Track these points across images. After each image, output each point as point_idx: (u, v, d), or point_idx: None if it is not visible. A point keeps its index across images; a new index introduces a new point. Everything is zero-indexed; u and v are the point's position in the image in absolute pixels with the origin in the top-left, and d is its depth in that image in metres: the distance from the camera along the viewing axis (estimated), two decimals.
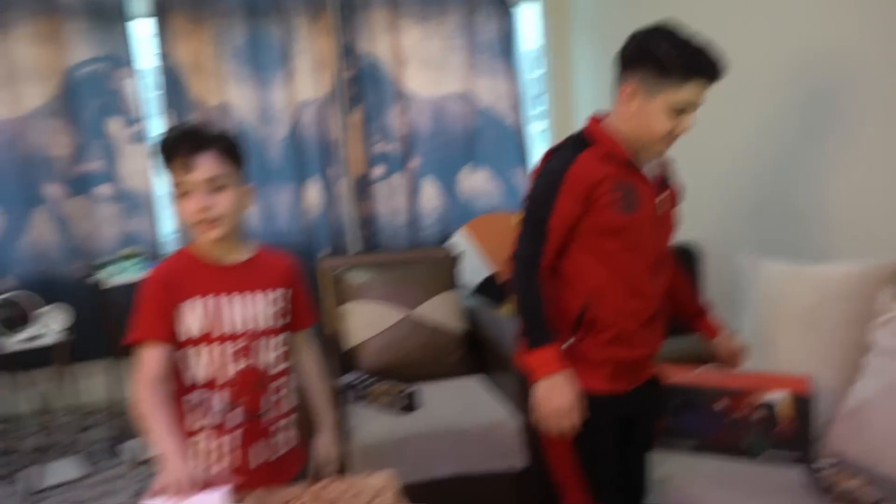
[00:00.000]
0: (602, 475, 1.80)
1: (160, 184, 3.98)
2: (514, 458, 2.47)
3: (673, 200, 1.82)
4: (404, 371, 2.83)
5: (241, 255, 1.64)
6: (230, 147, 1.55)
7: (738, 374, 1.98)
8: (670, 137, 1.66)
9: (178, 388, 1.60)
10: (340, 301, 2.98)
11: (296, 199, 4.08)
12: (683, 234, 3.13)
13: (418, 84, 4.15)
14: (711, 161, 3.07)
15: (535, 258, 1.67)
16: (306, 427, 1.76)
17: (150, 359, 1.53)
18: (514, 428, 2.47)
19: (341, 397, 2.62)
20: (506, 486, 2.47)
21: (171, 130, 1.57)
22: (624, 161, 1.68)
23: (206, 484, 1.31)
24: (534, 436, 1.99)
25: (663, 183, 1.79)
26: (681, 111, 1.61)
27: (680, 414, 2.03)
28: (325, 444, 1.76)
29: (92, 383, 4.01)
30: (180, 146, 1.49)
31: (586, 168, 1.65)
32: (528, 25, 4.39)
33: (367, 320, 2.91)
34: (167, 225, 4.05)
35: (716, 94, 1.70)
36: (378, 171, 4.18)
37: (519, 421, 2.46)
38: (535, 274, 1.67)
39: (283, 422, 1.69)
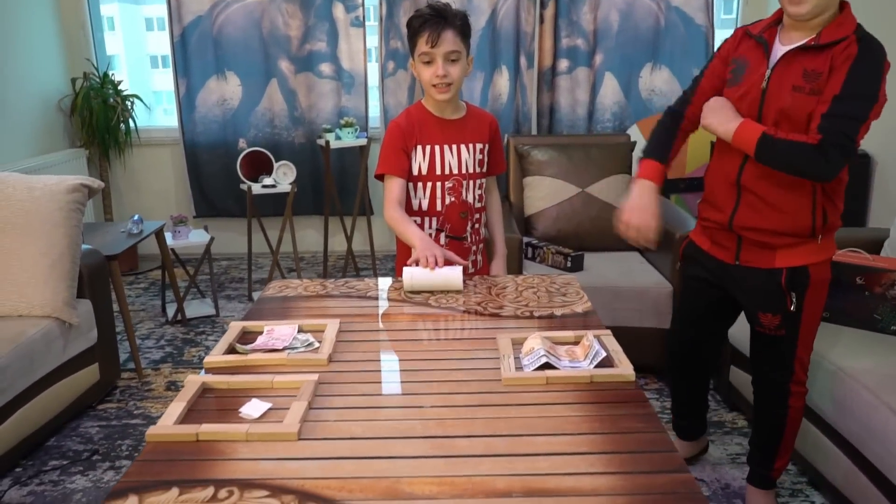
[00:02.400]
0: (678, 315, 2.25)
1: (371, 68, 4.56)
2: (662, 318, 2.85)
3: (817, 82, 1.65)
4: (573, 239, 3.25)
5: (458, 113, 2.09)
6: (465, 27, 1.97)
7: (879, 257, 2.21)
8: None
9: (406, 212, 2.11)
10: (524, 174, 3.42)
11: (487, 85, 4.50)
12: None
13: None
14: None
15: (676, 105, 2.01)
16: (488, 254, 2.24)
17: (393, 187, 2.03)
18: (665, 293, 2.84)
19: (522, 251, 3.09)
20: (652, 341, 2.87)
21: (421, 10, 1.99)
22: (755, 35, 1.80)
23: (446, 262, 1.81)
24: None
25: (803, 57, 1.69)
26: None
27: None
28: (498, 266, 2.24)
29: (305, 234, 4.82)
30: (430, 23, 1.93)
31: (728, 45, 1.91)
32: None
33: (545, 192, 3.33)
34: (374, 102, 4.65)
35: None
36: (563, 64, 4.48)
37: (669, 288, 2.82)
38: (670, 115, 2.01)
39: (477, 246, 2.17)
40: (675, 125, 2.00)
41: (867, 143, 3.27)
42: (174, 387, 2.98)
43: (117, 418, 2.72)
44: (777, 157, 1.69)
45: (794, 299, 1.84)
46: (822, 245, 1.84)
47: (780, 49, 1.75)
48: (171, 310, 3.76)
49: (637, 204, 1.89)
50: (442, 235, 2.08)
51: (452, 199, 2.07)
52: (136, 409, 2.80)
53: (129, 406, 2.82)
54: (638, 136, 4.11)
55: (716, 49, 1.98)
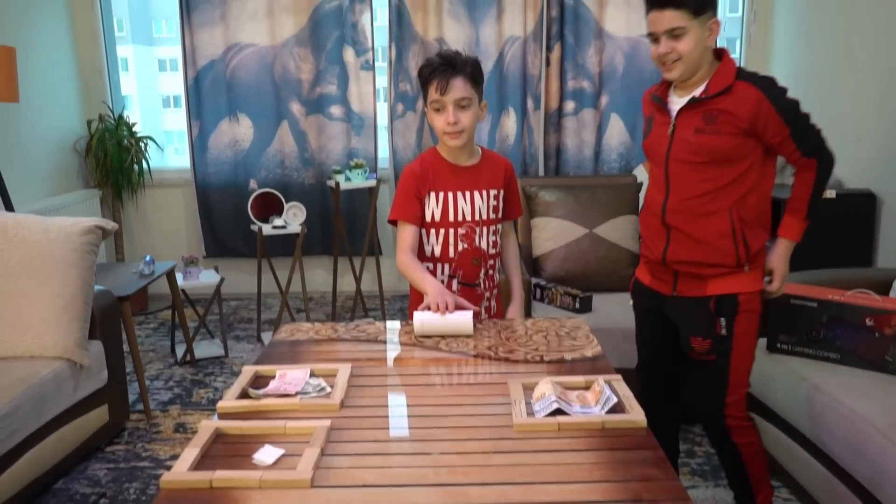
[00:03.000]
0: (640, 353, 2.22)
1: (381, 109, 4.64)
2: None
3: (713, 121, 1.85)
4: (581, 280, 3.26)
5: (472, 159, 2.11)
6: (476, 73, 2.00)
7: (888, 298, 2.21)
8: (659, 62, 1.95)
9: (419, 258, 2.12)
10: (532, 215, 3.45)
11: (494, 127, 4.56)
12: (858, 181, 3.28)
13: (617, 24, 4.44)
14: (887, 109, 3.14)
15: None
16: (502, 298, 2.25)
17: (405, 233, 2.04)
18: None
19: (531, 293, 3.10)
20: None
21: (431, 59, 2.03)
22: (653, 96, 2.01)
23: (457, 307, 1.82)
24: None
25: (699, 106, 1.87)
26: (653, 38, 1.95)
27: (829, 327, 2.31)
28: (514, 311, 2.24)
29: (314, 274, 4.85)
30: (439, 71, 1.96)
31: (643, 102, 2.12)
32: None
33: (553, 233, 3.35)
34: (384, 144, 4.71)
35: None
36: (569, 105, 4.55)
37: None
38: None
39: (490, 292, 2.18)
40: None
41: (871, 182, 3.29)
42: (182, 429, 2.98)
43: (125, 461, 2.72)
44: (819, 204, 1.92)
45: (723, 324, 1.93)
46: (751, 276, 1.93)
47: (677, 102, 1.94)
48: (180, 350, 3.77)
49: None
50: (454, 282, 2.09)
51: (465, 245, 2.08)
52: (144, 451, 2.79)
53: (138, 448, 2.81)
54: (644, 176, 4.14)
55: None
